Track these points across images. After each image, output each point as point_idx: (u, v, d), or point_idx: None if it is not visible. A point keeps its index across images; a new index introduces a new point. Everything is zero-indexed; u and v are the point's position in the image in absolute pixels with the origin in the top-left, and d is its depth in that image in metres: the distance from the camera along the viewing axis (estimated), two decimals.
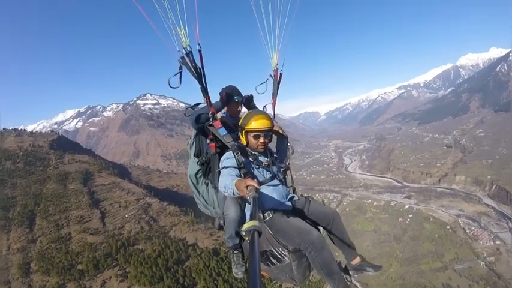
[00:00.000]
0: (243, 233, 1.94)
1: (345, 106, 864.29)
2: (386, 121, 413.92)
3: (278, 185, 3.55)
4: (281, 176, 3.73)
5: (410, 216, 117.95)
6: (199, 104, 3.74)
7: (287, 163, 3.96)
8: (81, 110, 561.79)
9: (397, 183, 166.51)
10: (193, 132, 3.90)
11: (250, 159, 3.47)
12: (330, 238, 3.60)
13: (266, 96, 4.17)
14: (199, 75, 3.32)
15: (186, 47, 3.17)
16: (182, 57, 3.20)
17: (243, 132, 3.46)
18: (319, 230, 3.41)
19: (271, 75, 4.18)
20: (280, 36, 3.84)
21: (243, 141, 3.53)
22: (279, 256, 3.30)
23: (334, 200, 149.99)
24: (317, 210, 3.56)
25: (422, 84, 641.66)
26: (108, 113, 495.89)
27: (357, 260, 3.56)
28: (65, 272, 54.46)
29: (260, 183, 3.24)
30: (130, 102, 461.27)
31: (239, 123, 3.52)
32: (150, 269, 53.75)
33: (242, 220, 3.33)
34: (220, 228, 3.62)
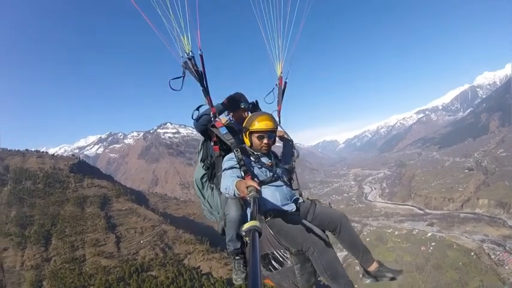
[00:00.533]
0: (243, 233, 1.92)
1: (364, 133, 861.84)
2: (406, 147, 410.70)
3: (281, 186, 3.54)
4: (286, 178, 3.73)
5: (433, 244, 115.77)
6: (202, 105, 3.86)
7: (292, 165, 4.01)
8: (103, 136, 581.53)
9: (418, 211, 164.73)
10: (201, 139, 4.05)
11: (252, 158, 3.55)
12: (341, 244, 3.46)
13: (273, 104, 4.38)
14: (200, 77, 3.58)
15: (188, 53, 3.49)
16: (185, 62, 3.51)
17: (247, 133, 3.58)
18: (324, 231, 3.30)
19: (276, 85, 4.40)
20: (284, 47, 4.15)
21: (247, 142, 3.64)
22: (281, 259, 3.19)
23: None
24: (323, 212, 3.47)
25: (440, 107, 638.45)
26: (129, 141, 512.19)
27: (374, 266, 3.33)
28: None
29: (262, 183, 3.38)
30: (151, 131, 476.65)
31: (243, 125, 3.66)
32: None
33: (243, 220, 3.34)
34: (223, 232, 3.64)
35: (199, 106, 3.85)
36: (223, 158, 3.61)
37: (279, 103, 4.37)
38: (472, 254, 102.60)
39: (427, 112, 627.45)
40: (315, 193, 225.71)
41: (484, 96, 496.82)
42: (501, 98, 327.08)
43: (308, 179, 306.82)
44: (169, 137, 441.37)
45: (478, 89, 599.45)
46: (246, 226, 1.92)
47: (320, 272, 3.03)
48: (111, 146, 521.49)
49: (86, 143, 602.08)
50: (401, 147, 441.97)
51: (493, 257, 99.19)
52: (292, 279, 3.23)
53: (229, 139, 3.57)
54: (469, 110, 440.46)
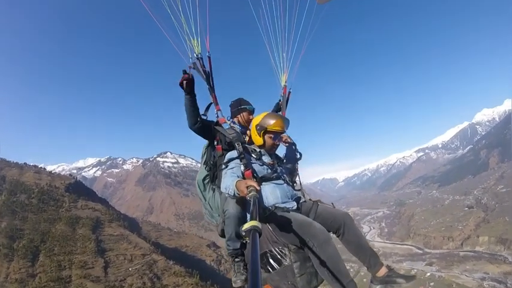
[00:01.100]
0: (243, 233, 1.92)
1: (364, 172, 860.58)
2: (406, 186, 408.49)
3: (282, 184, 3.53)
4: (287, 178, 3.73)
5: (431, 284, 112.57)
6: (211, 103, 4.02)
7: (295, 166, 4.12)
8: (102, 159, 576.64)
9: (417, 250, 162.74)
10: (205, 143, 4.10)
11: (253, 155, 3.60)
12: (346, 246, 3.31)
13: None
14: (207, 76, 3.89)
15: (198, 54, 3.83)
16: (194, 63, 3.83)
17: (262, 132, 3.61)
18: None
19: (281, 95, 4.65)
20: (289, 59, 4.38)
21: (259, 140, 3.68)
22: (279, 256, 3.08)
23: (351, 270, 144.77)
24: (326, 211, 3.39)
25: (440, 146, 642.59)
26: (127, 166, 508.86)
27: (383, 271, 3.11)
28: None
29: (262, 178, 3.43)
30: (151, 159, 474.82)
31: (257, 123, 3.66)
32: None
33: (242, 218, 3.29)
34: (222, 234, 3.59)
35: (209, 104, 4.02)
36: (225, 162, 3.61)
37: (283, 111, 4.55)
38: None
39: (426, 150, 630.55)
40: None
41: (483, 133, 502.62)
42: (500, 134, 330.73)
43: None
44: (168, 166, 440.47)
45: (477, 126, 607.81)
46: (245, 226, 1.90)
47: (320, 271, 2.86)
48: (110, 170, 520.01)
49: (85, 165, 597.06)
50: (401, 185, 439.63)
51: None
52: (291, 280, 3.04)
53: (231, 133, 3.71)
54: (468, 148, 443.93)
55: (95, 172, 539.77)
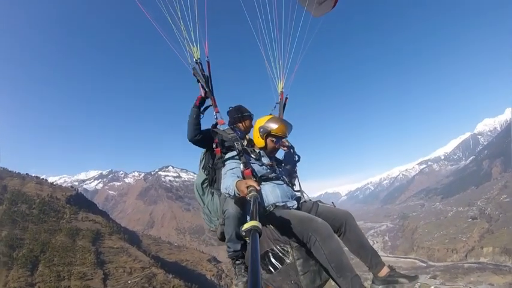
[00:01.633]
0: (243, 233, 1.88)
1: (366, 185, 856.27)
2: (409, 198, 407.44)
3: (282, 184, 3.58)
4: (287, 180, 3.78)
5: None
6: (210, 106, 4.12)
7: (294, 168, 4.20)
8: (104, 172, 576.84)
9: (421, 263, 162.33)
10: (203, 150, 4.18)
11: (252, 156, 3.67)
12: (347, 246, 3.23)
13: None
14: (206, 80, 4.05)
15: (197, 59, 4.05)
16: (194, 68, 4.05)
17: (264, 134, 3.77)
18: None
19: (277, 103, 4.77)
20: (285, 67, 4.53)
21: (261, 143, 3.83)
22: (281, 254, 3.01)
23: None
24: (326, 210, 3.37)
25: (442, 157, 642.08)
26: (129, 180, 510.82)
27: (385, 271, 3.00)
28: None
29: (262, 177, 3.50)
30: (152, 172, 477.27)
31: (261, 125, 3.79)
32: None
33: (242, 218, 3.30)
34: (222, 237, 3.61)
35: (208, 106, 4.16)
36: (224, 161, 3.72)
37: (280, 116, 4.71)
38: None
39: (429, 163, 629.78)
40: None
41: (485, 143, 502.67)
42: (502, 143, 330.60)
43: None
44: (169, 180, 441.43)
45: (479, 136, 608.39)
46: (245, 226, 1.89)
47: (324, 265, 2.76)
48: (111, 183, 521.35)
49: (87, 177, 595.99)
50: (404, 198, 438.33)
51: None
52: (294, 279, 2.96)
53: (230, 133, 3.85)
54: (471, 158, 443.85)
55: (96, 185, 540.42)
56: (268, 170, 3.60)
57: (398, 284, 2.85)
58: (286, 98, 4.77)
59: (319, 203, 3.52)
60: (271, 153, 3.86)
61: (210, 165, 3.97)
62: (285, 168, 4.00)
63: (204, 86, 4.03)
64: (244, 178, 3.18)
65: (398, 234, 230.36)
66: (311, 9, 5.02)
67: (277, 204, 3.30)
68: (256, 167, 3.55)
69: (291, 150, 4.31)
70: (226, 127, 4.07)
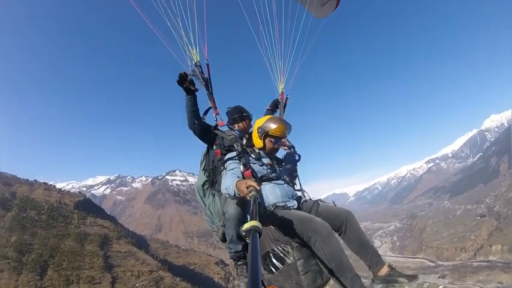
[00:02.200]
0: (243, 233, 1.89)
1: (374, 186, 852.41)
2: (417, 198, 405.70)
3: (282, 184, 3.60)
4: (287, 179, 3.80)
5: None
6: (210, 108, 4.23)
7: (295, 167, 4.19)
8: (112, 177, 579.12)
9: (430, 263, 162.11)
10: (203, 150, 4.24)
11: (252, 156, 3.71)
12: (348, 245, 3.27)
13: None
14: (206, 82, 4.16)
15: (196, 62, 4.12)
16: (193, 70, 4.09)
17: (263, 135, 3.75)
18: None
19: (278, 101, 4.87)
20: (285, 68, 4.61)
21: (259, 143, 3.83)
22: (282, 255, 3.07)
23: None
24: (327, 209, 3.42)
25: (450, 155, 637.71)
26: (136, 184, 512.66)
27: (385, 270, 3.02)
28: None
29: (262, 177, 3.53)
30: (159, 177, 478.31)
31: (259, 125, 3.78)
32: None
33: (243, 219, 3.31)
34: (223, 238, 3.65)
35: (208, 109, 4.25)
36: (224, 162, 3.76)
37: (281, 115, 4.80)
38: None
39: (437, 161, 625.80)
40: None
41: (492, 140, 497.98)
42: (510, 139, 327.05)
43: None
44: (177, 184, 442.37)
45: (487, 133, 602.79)
46: (245, 226, 1.90)
47: (324, 265, 2.87)
48: (119, 188, 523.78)
49: (94, 182, 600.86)
50: (412, 198, 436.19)
51: None
52: (295, 279, 3.03)
53: (230, 134, 3.91)
54: (478, 155, 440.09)
55: (104, 190, 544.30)
56: (269, 170, 3.66)
57: (398, 284, 2.90)
58: (287, 98, 4.87)
59: (320, 202, 3.60)
60: (270, 153, 3.88)
61: (211, 167, 4.04)
62: (286, 168, 4.04)
63: (204, 88, 4.19)
64: (244, 178, 3.28)
65: (406, 234, 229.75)
66: (312, 10, 5.04)
67: (277, 204, 3.37)
68: (256, 167, 3.61)
69: (292, 149, 4.34)
70: (226, 128, 4.16)
